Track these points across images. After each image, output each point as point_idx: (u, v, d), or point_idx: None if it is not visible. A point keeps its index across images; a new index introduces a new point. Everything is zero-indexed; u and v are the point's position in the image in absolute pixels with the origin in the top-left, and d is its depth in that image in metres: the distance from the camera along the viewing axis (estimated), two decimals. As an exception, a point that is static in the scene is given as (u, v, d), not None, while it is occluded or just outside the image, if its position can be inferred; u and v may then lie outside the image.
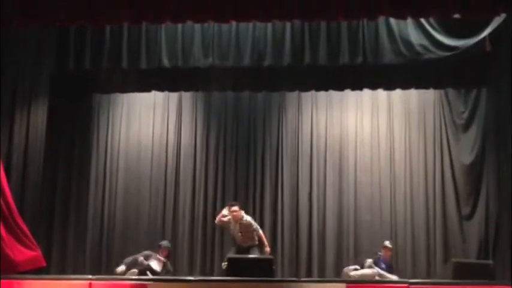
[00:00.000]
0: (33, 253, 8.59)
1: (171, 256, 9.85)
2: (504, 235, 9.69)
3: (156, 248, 9.64)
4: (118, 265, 9.49)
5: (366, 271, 8.98)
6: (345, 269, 9.26)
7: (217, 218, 9.63)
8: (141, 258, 9.28)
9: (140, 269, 9.15)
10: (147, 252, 9.52)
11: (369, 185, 10.62)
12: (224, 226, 9.72)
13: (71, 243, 10.57)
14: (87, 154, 10.96)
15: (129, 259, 9.40)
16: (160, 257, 9.45)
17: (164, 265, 9.48)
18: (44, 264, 8.77)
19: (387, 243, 9.72)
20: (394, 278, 8.97)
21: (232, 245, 9.56)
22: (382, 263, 9.39)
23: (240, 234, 9.37)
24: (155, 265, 9.30)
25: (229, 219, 9.43)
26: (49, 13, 7.97)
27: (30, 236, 8.70)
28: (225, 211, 9.54)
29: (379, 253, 9.57)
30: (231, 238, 9.65)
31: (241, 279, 7.24)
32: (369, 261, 9.15)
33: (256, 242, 9.42)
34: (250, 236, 9.37)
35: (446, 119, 10.61)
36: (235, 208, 9.40)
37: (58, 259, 10.39)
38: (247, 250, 9.29)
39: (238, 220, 9.36)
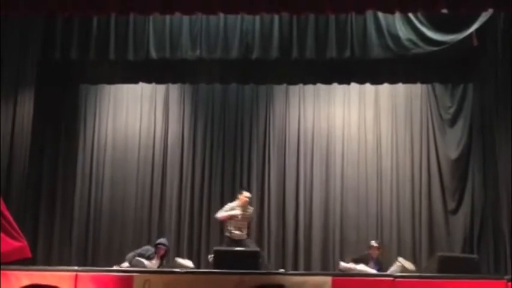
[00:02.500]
0: (18, 244, 8.46)
1: (168, 253, 9.40)
2: (489, 229, 9.77)
3: (154, 247, 9.22)
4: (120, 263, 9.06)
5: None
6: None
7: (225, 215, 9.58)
8: (136, 259, 8.89)
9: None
10: (147, 247, 9.30)
11: (356, 178, 10.67)
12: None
13: (57, 234, 10.52)
14: (73, 145, 10.91)
15: (130, 255, 9.10)
16: (153, 261, 9.06)
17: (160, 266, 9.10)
18: (29, 255, 8.64)
19: (373, 242, 9.61)
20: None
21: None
22: (371, 261, 9.35)
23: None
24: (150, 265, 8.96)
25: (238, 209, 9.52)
26: (37, 2, 7.91)
27: (16, 226, 8.60)
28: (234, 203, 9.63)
29: (367, 252, 9.47)
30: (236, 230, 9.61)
31: (228, 271, 7.24)
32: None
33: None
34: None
35: (433, 113, 10.66)
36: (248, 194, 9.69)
37: (44, 250, 10.33)
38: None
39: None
